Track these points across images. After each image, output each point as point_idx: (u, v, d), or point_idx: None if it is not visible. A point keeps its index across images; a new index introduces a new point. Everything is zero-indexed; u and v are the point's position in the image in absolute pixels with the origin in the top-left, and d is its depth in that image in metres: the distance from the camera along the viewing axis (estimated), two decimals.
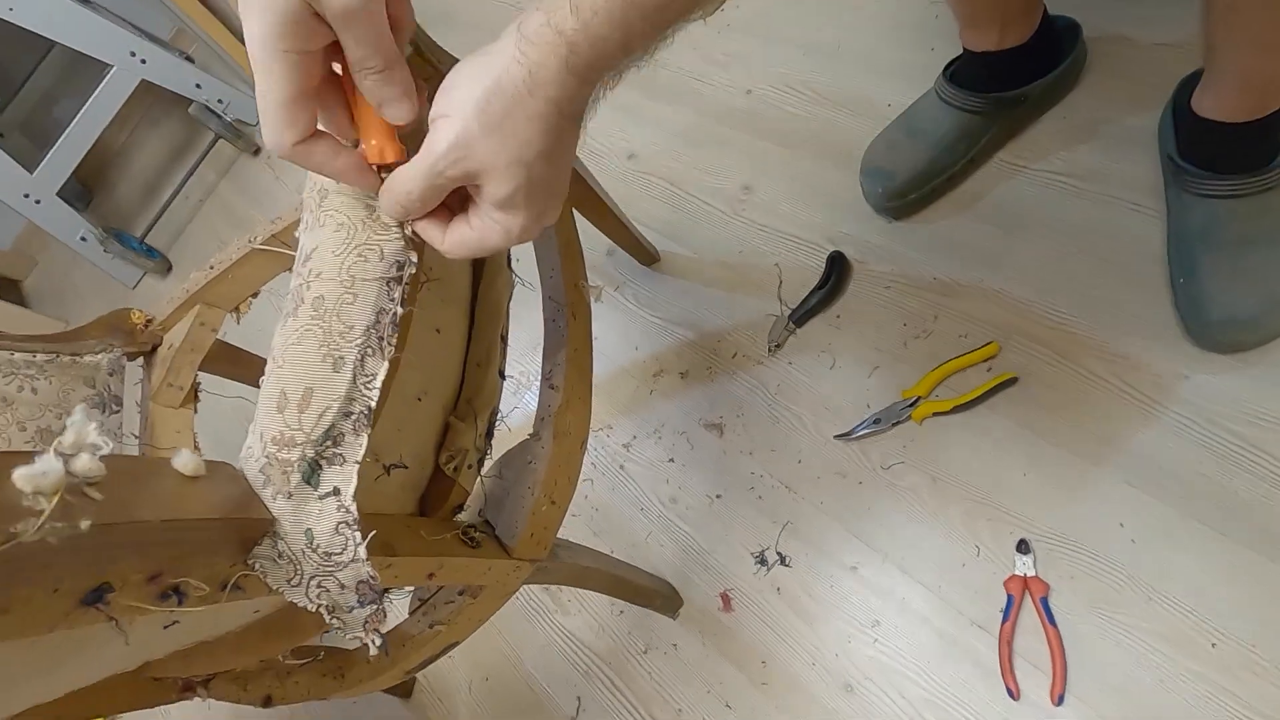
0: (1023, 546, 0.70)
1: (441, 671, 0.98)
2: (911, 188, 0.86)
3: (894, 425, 0.81)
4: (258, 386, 1.16)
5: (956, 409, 0.77)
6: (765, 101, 1.07)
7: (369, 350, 0.36)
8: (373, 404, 0.37)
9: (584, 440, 0.62)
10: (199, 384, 0.88)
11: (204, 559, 0.34)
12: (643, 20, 0.30)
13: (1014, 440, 0.75)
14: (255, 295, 0.88)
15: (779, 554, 0.83)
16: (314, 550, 0.36)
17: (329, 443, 0.36)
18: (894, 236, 0.90)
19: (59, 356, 0.79)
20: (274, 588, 0.36)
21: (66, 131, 1.67)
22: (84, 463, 0.28)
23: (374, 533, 0.36)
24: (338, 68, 0.35)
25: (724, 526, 0.87)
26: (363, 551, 0.36)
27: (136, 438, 0.85)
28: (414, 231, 0.38)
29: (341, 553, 0.36)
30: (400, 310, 0.37)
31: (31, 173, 1.65)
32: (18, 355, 0.75)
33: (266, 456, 0.36)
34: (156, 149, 2.19)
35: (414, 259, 0.38)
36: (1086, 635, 0.66)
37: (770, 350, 0.92)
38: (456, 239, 0.37)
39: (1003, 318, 0.80)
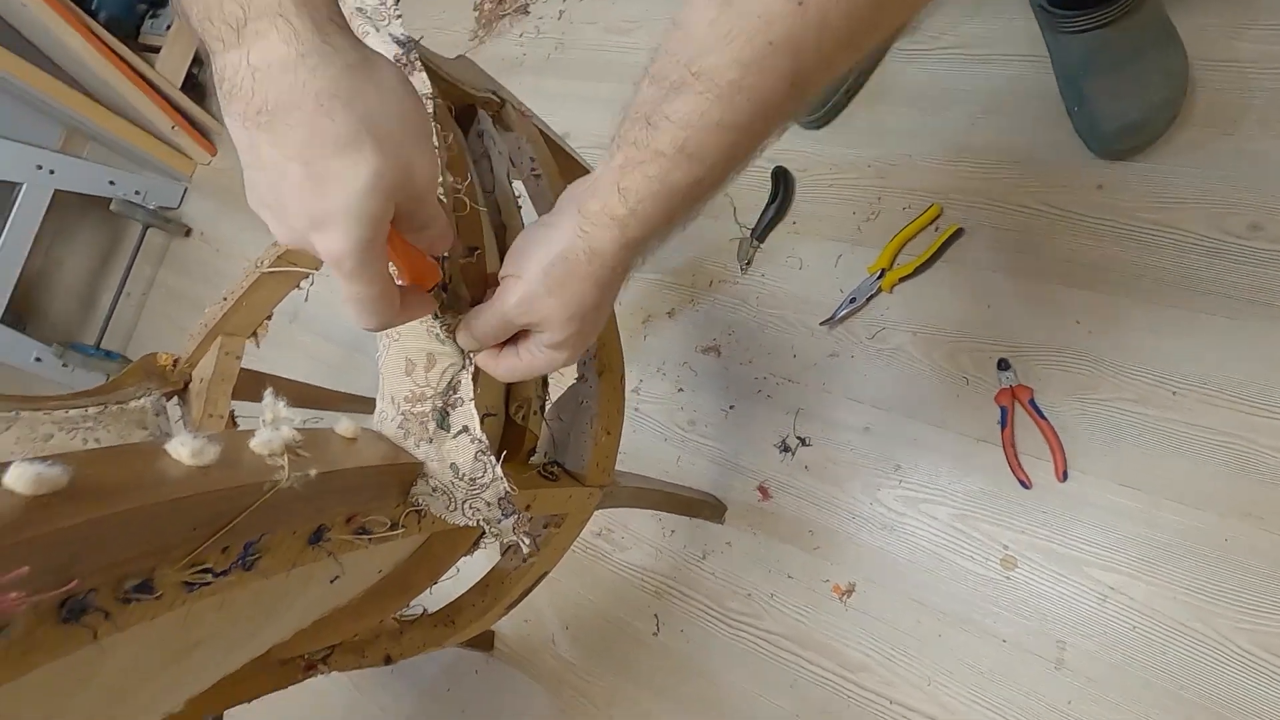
0: (1003, 364, 0.81)
1: (524, 634, 1.05)
2: (826, 97, 0.95)
3: (869, 299, 0.90)
4: (293, 406, 1.23)
5: (918, 270, 0.88)
6: None
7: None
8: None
9: (623, 374, 0.70)
10: (233, 411, 0.94)
11: (378, 501, 0.41)
12: (682, 201, 0.35)
13: (972, 281, 0.86)
14: (269, 318, 0.94)
15: (798, 438, 0.92)
16: (461, 479, 0.44)
17: (450, 391, 0.44)
18: (825, 142, 0.99)
19: (107, 407, 0.84)
20: (437, 515, 0.43)
21: None
22: (287, 432, 0.35)
23: (505, 451, 0.44)
24: None
25: (743, 431, 0.97)
26: (499, 470, 0.44)
27: None
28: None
29: (483, 475, 0.44)
30: None
31: None
32: (72, 412, 0.80)
33: (402, 414, 0.44)
34: (83, 258, 2.16)
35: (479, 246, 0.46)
36: (1072, 419, 0.77)
37: (742, 269, 1.01)
38: (508, 366, 0.44)
39: (936, 182, 0.90)
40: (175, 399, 0.98)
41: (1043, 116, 0.85)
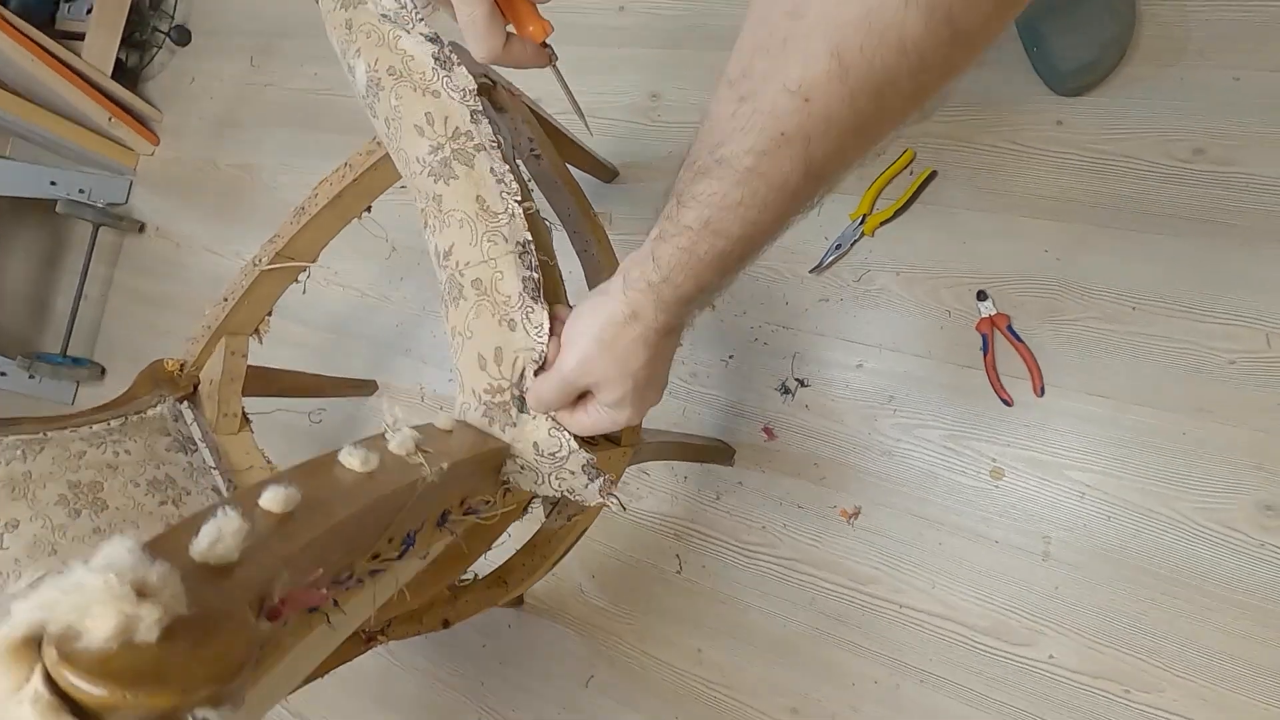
0: (981, 295, 0.88)
1: (552, 586, 1.12)
2: None
3: (853, 244, 0.96)
4: (293, 396, 1.26)
5: (897, 213, 0.94)
6: (641, 12, 1.16)
7: (529, 309, 0.47)
8: (545, 346, 0.48)
9: None
10: (245, 409, 0.96)
11: (478, 484, 0.46)
12: (710, 271, 0.38)
13: (948, 220, 0.92)
14: (270, 314, 0.95)
15: (797, 379, 0.99)
16: (543, 455, 0.48)
17: (522, 380, 0.48)
18: None
19: (128, 418, 0.86)
20: (528, 489, 0.48)
21: None
22: (411, 432, 0.40)
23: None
24: None
25: (744, 378, 1.03)
26: (575, 443, 0.49)
27: (214, 468, 0.92)
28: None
29: (560, 449, 0.49)
30: (538, 276, 0.48)
31: None
32: (96, 427, 0.82)
33: (484, 404, 0.48)
34: (27, 264, 2.07)
35: (529, 236, 0.49)
36: (1046, 340, 0.86)
37: None
38: (579, 425, 0.48)
39: (908, 129, 0.95)
40: (186, 403, 0.99)
41: (1004, 59, 0.91)
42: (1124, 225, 0.84)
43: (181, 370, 1.00)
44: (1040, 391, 0.85)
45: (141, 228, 1.82)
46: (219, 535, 0.23)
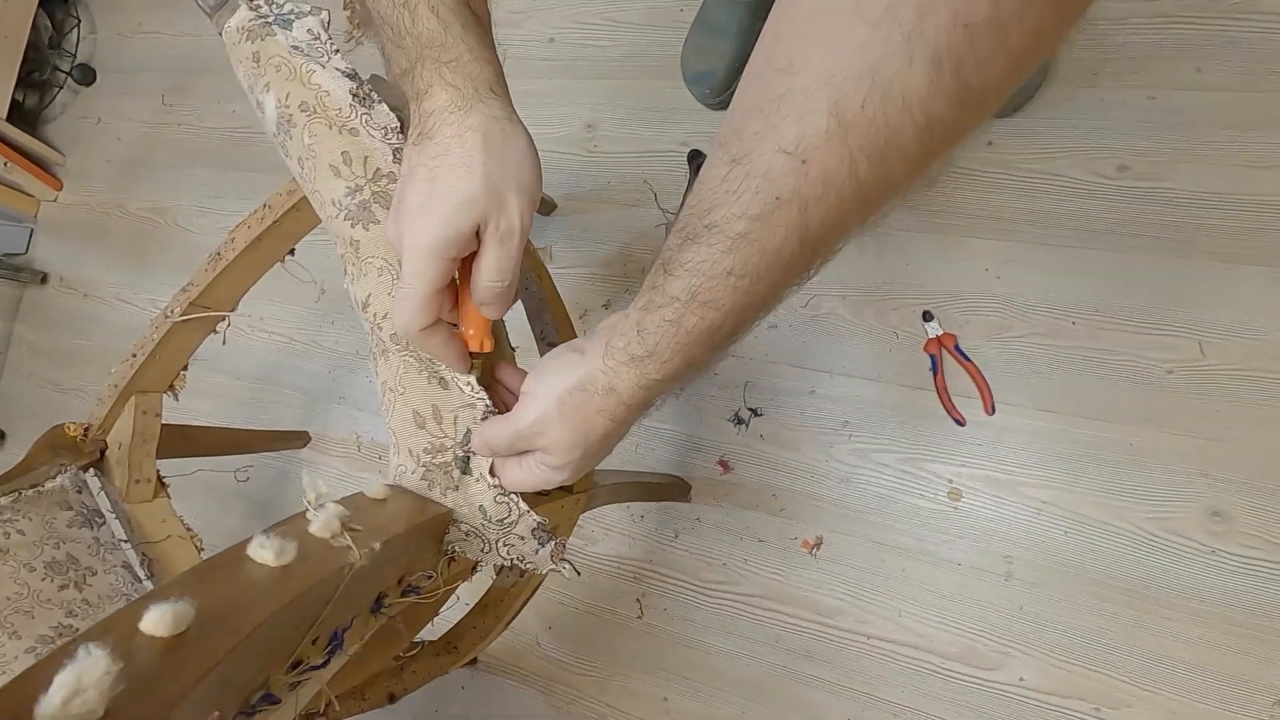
0: (926, 316, 0.88)
1: (506, 641, 1.06)
2: (733, 79, 0.98)
3: None
4: (216, 455, 1.17)
5: None
6: (571, 43, 1.14)
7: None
8: (487, 401, 0.44)
9: None
10: (159, 472, 0.89)
11: (418, 557, 0.42)
12: (699, 346, 0.35)
13: (889, 242, 0.92)
14: (185, 368, 0.88)
15: (750, 409, 0.97)
16: (490, 521, 0.44)
17: (467, 440, 0.44)
18: None
19: (21, 493, 0.78)
20: (473, 557, 0.44)
21: None
22: (335, 508, 0.35)
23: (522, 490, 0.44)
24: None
25: (696, 410, 1.00)
26: (524, 505, 0.45)
27: (125, 541, 0.84)
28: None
29: (509, 514, 0.45)
30: None
31: None
32: None
33: (424, 466, 0.44)
34: None
35: None
36: (993, 358, 0.86)
37: None
38: (512, 477, 0.44)
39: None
40: (92, 470, 0.90)
41: None
42: (1057, 242, 0.85)
43: (86, 435, 0.91)
44: (991, 410, 0.85)
45: (44, 278, 1.69)
46: (78, 686, 0.18)
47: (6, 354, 1.74)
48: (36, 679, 0.18)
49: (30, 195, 1.69)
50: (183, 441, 1.01)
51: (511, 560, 0.45)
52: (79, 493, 0.86)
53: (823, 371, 0.94)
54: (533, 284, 0.67)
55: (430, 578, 0.42)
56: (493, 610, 0.72)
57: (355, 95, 0.49)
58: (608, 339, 0.38)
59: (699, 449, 0.99)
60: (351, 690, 0.74)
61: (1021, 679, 0.82)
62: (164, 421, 0.92)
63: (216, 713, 0.20)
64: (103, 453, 0.91)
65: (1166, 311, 0.81)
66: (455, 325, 0.44)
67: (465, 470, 0.44)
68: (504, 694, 1.05)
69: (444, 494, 0.44)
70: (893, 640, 0.87)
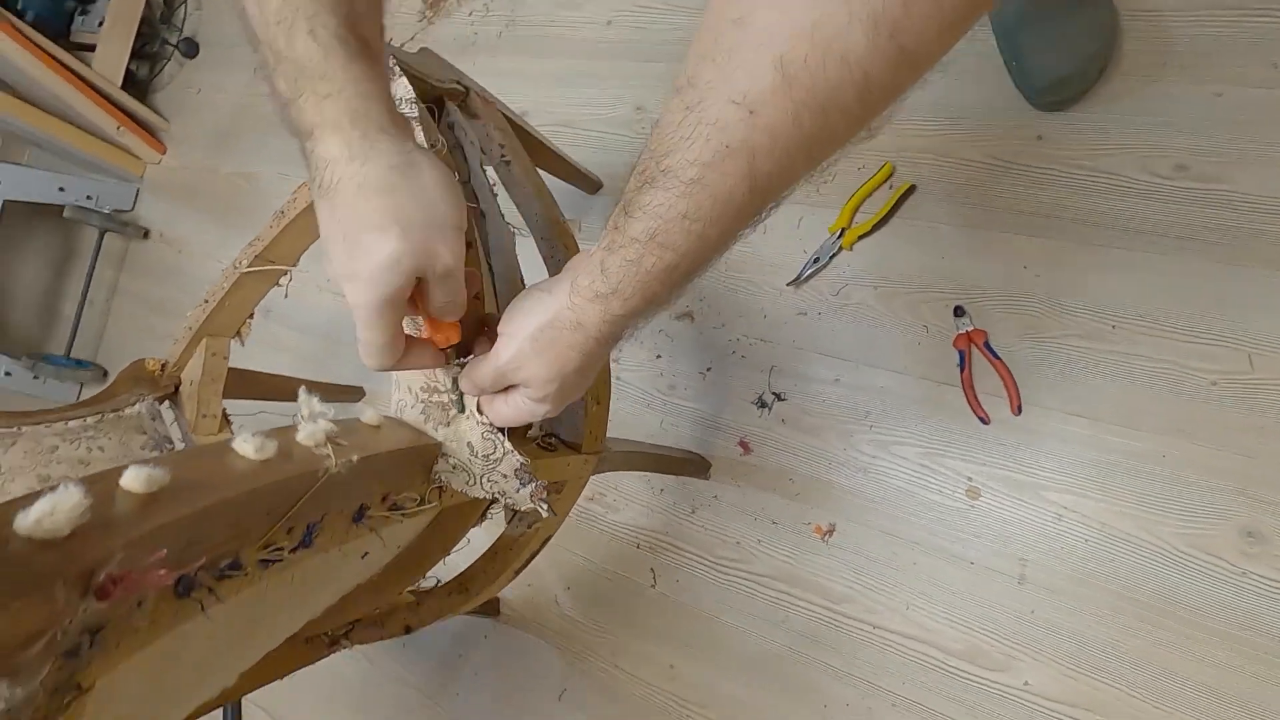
0: (959, 311, 0.87)
1: (528, 597, 1.11)
2: None
3: (831, 258, 0.96)
4: (278, 400, 1.25)
5: (875, 227, 0.93)
6: (627, 25, 1.17)
7: None
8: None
9: None
10: (226, 410, 0.97)
11: (408, 480, 0.45)
12: (658, 283, 0.37)
13: (926, 235, 0.91)
14: (251, 316, 0.96)
15: (774, 393, 0.98)
16: (476, 456, 0.48)
17: (456, 389, 0.48)
18: None
19: (104, 416, 0.86)
20: (458, 490, 0.48)
21: None
22: (325, 424, 0.39)
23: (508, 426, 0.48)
24: None
25: (722, 390, 1.02)
26: (509, 444, 0.48)
27: None
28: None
29: (494, 452, 0.48)
30: None
31: None
32: (72, 423, 0.82)
33: (421, 403, 0.48)
34: (37, 268, 2.10)
35: None
36: (1025, 358, 0.84)
37: None
38: (498, 412, 0.48)
39: (888, 143, 0.95)
40: (167, 403, 1.00)
41: (984, 73, 0.90)
42: (1104, 242, 0.82)
43: (163, 370, 1.00)
44: (1018, 410, 0.83)
45: (146, 234, 1.85)
46: (52, 511, 0.22)
47: (112, 300, 1.91)
48: (22, 502, 0.22)
49: (138, 157, 1.85)
50: (248, 385, 1.10)
51: (494, 495, 0.48)
52: (154, 420, 0.95)
53: (848, 361, 0.94)
54: (558, 253, 0.70)
55: (416, 501, 0.46)
56: (502, 556, 0.76)
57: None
58: (574, 278, 0.40)
59: (721, 429, 1.01)
60: (372, 618, 0.80)
61: (1027, 683, 0.80)
62: (234, 366, 1.01)
63: (164, 550, 0.24)
64: (176, 388, 1.01)
65: (1214, 320, 0.77)
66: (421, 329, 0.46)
67: (461, 409, 0.48)
68: (522, 645, 1.10)
69: (436, 429, 0.47)
70: (898, 632, 0.87)
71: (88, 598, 0.22)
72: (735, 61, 0.29)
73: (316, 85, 0.38)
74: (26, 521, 0.21)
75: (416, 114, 0.53)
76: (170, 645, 0.29)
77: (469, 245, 0.53)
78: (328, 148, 0.39)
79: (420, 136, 0.52)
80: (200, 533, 0.28)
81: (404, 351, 0.44)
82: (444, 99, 0.77)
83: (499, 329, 0.45)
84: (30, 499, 0.23)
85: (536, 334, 0.42)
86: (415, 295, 0.43)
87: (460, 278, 0.43)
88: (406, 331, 0.45)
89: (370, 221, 0.38)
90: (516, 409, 0.46)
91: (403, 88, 0.53)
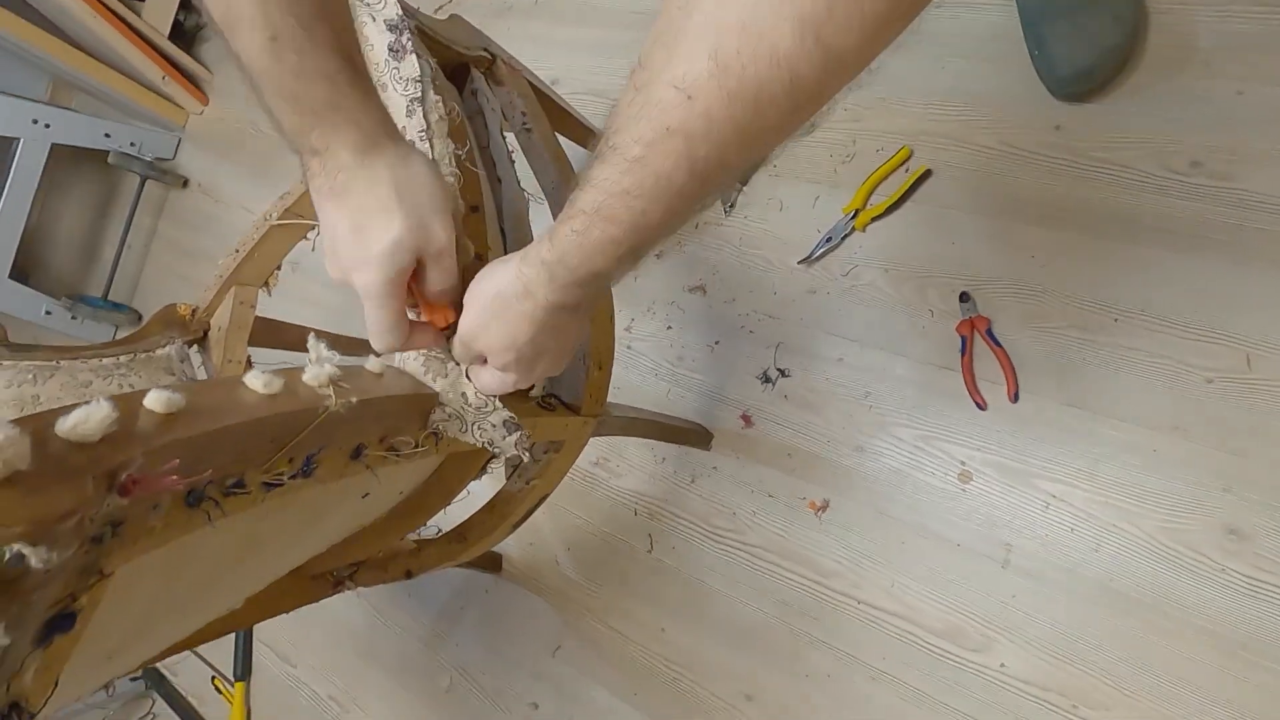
0: (964, 297, 0.88)
1: (529, 555, 1.15)
2: None
3: (844, 238, 0.97)
4: (302, 351, 1.30)
5: (889, 209, 0.94)
6: None
7: None
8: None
9: (611, 313, 0.77)
10: (250, 357, 1.01)
11: (405, 425, 0.49)
12: (602, 256, 0.38)
13: (939, 220, 0.92)
14: (279, 268, 1.00)
15: (779, 369, 1.00)
16: (469, 406, 0.51)
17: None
18: None
19: (136, 355, 0.91)
20: (452, 437, 0.51)
21: None
22: (330, 368, 0.42)
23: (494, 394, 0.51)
24: None
25: (728, 364, 1.04)
26: (498, 401, 0.51)
27: None
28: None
29: (485, 405, 0.51)
30: None
31: None
32: (106, 360, 0.88)
33: (424, 355, 0.51)
34: (80, 211, 2.18)
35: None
36: (1024, 345, 0.85)
37: (726, 211, 1.07)
38: (480, 382, 0.51)
39: (907, 126, 0.95)
40: (195, 347, 1.05)
41: (1008, 60, 0.90)
42: (1113, 235, 0.82)
43: (193, 316, 1.05)
44: (1014, 397, 0.84)
45: (185, 183, 1.90)
46: (86, 419, 0.26)
47: (150, 246, 1.97)
48: (62, 411, 0.26)
49: (181, 107, 1.90)
50: (273, 334, 1.14)
51: (483, 442, 0.52)
52: (182, 363, 1.00)
53: (853, 341, 0.95)
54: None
55: (412, 445, 0.50)
56: (499, 509, 0.80)
57: (391, 49, 0.55)
58: (524, 250, 0.43)
59: (725, 402, 1.03)
60: (376, 561, 0.84)
61: (1003, 665, 0.82)
62: (260, 315, 1.05)
63: (177, 461, 0.27)
64: (205, 333, 1.06)
65: (1216, 318, 0.77)
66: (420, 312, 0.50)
67: (458, 362, 0.51)
68: (522, 601, 1.15)
69: (434, 380, 0.51)
70: (882, 608, 0.89)
71: (111, 493, 0.25)
72: (679, 47, 0.31)
73: (332, 116, 0.44)
74: (65, 426, 0.25)
75: (419, 94, 0.55)
76: (180, 554, 0.33)
77: (473, 209, 0.57)
78: (339, 158, 0.45)
79: (420, 118, 0.55)
80: (209, 451, 0.31)
81: (411, 334, 0.48)
82: (470, 66, 0.79)
83: (465, 298, 0.48)
84: (69, 409, 0.26)
85: (490, 301, 0.45)
86: (411, 282, 0.47)
87: (453, 257, 0.47)
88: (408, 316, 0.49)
89: (378, 209, 0.44)
90: (491, 378, 0.50)
91: (410, 66, 0.55)
